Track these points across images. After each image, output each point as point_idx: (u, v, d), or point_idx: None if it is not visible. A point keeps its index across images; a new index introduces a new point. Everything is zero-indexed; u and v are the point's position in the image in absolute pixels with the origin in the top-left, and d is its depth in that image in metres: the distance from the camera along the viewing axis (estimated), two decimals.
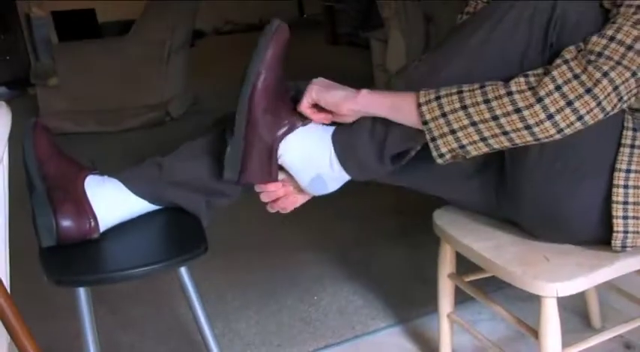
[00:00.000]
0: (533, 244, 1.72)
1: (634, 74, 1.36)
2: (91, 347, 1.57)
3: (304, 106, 1.56)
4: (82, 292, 1.52)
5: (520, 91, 1.38)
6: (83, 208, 1.56)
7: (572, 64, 1.37)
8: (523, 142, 1.42)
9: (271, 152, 1.57)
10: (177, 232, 1.58)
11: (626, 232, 1.57)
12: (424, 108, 1.45)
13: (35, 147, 1.58)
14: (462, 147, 1.44)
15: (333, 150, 1.58)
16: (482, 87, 1.42)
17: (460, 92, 1.43)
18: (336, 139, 1.58)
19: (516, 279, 1.65)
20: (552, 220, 1.65)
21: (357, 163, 1.58)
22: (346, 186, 1.61)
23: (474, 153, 1.46)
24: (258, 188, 1.62)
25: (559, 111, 1.36)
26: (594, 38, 1.38)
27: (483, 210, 1.84)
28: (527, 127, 1.39)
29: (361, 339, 2.39)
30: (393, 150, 1.57)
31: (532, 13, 1.44)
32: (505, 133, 1.41)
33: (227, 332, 2.47)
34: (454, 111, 1.42)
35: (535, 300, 1.66)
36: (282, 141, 1.57)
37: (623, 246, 1.58)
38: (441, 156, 1.47)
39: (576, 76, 1.36)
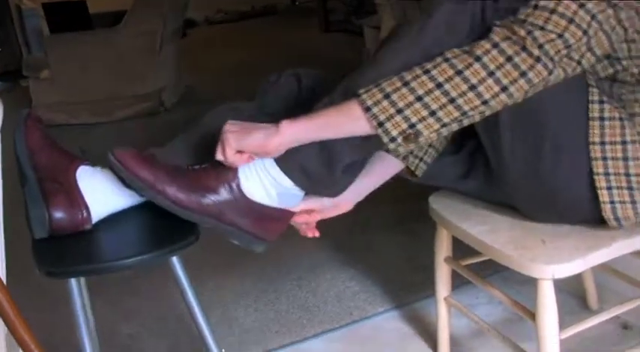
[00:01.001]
0: (529, 227, 1.72)
1: (560, 36, 1.34)
2: (86, 338, 1.56)
3: (228, 156, 1.50)
4: (74, 283, 1.52)
5: (456, 56, 1.37)
6: (75, 200, 1.55)
7: (507, 23, 1.37)
8: (472, 108, 1.38)
9: (253, 208, 1.56)
10: (168, 222, 1.58)
11: (612, 202, 1.57)
12: (364, 96, 1.40)
13: (27, 137, 1.57)
14: (412, 126, 1.39)
15: (273, 169, 1.55)
16: (420, 66, 1.39)
17: (400, 76, 1.40)
18: (277, 158, 1.54)
19: (513, 262, 1.65)
20: (542, 199, 1.65)
21: (304, 174, 1.55)
22: None
23: (426, 132, 1.39)
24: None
25: (499, 67, 1.35)
26: (521, 9, 1.38)
27: (478, 195, 1.84)
28: (472, 88, 1.36)
29: (359, 324, 2.39)
30: (343, 160, 1.54)
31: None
32: (452, 100, 1.37)
33: (225, 319, 2.47)
34: (397, 90, 1.38)
35: (532, 283, 1.66)
36: (244, 189, 1.55)
37: (616, 219, 1.59)
38: (393, 140, 1.40)
39: (513, 32, 1.35)
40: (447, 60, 1.37)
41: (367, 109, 1.40)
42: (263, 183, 1.55)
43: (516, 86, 1.36)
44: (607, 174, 1.54)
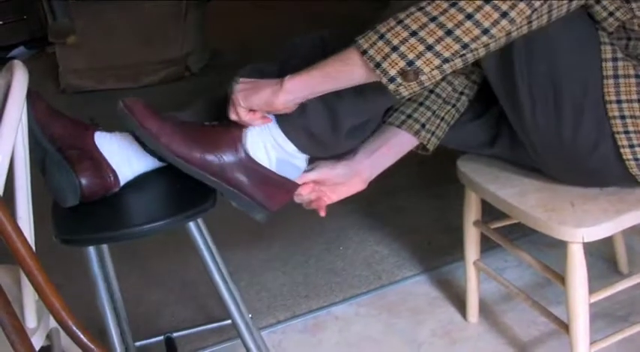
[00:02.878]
0: (558, 190, 1.71)
1: None
2: (106, 306, 1.58)
3: (241, 115, 1.51)
4: (92, 251, 1.52)
5: None
6: (100, 163, 1.55)
7: None
8: (472, 39, 1.32)
9: (257, 171, 1.55)
10: (185, 188, 1.57)
11: (637, 160, 1.55)
12: (361, 41, 1.37)
13: (34, 112, 1.56)
14: (410, 63, 1.33)
15: (276, 131, 1.55)
16: (421, 8, 1.34)
17: (394, 15, 1.35)
18: (280, 119, 1.54)
19: (542, 225, 1.64)
20: (569, 163, 1.63)
21: (307, 135, 1.55)
22: None
23: (426, 69, 1.33)
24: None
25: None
26: None
27: (505, 159, 1.83)
28: (469, 17, 1.30)
29: (388, 288, 2.39)
30: (347, 122, 1.54)
31: None
32: (449, 33, 1.31)
33: (254, 284, 2.48)
34: (390, 29, 1.34)
35: (561, 246, 1.65)
36: (249, 150, 1.55)
37: None
38: (392, 80, 1.35)
39: None
40: None
41: (364, 52, 1.36)
42: (265, 145, 1.55)
43: (517, 10, 1.29)
44: (627, 132, 1.53)
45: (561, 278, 1.71)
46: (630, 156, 1.55)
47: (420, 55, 1.32)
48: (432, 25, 1.31)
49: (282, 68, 1.57)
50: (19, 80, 1.40)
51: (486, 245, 2.11)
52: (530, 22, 1.32)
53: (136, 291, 2.50)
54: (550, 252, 2.23)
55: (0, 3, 5.28)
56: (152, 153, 1.60)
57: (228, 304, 1.65)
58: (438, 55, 1.32)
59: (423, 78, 1.35)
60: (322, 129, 1.54)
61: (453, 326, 2.18)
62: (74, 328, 1.20)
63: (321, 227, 2.76)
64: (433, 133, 1.72)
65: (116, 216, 1.55)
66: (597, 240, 1.63)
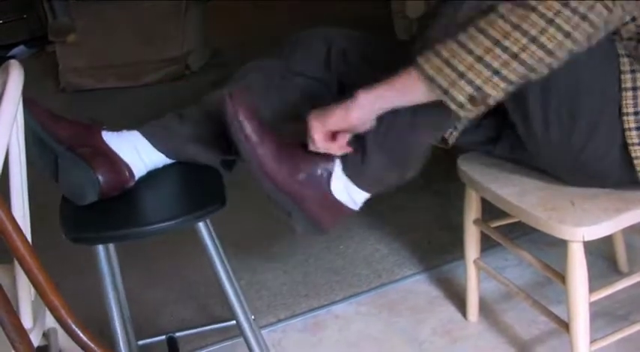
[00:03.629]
0: (558, 189, 1.70)
1: None
2: (113, 304, 1.58)
3: (319, 142, 1.52)
4: (101, 249, 1.53)
5: (510, 10, 1.31)
6: (113, 159, 1.56)
7: None
8: (537, 60, 1.32)
9: (334, 204, 1.58)
10: (194, 187, 1.58)
11: None
12: (425, 66, 1.37)
13: (36, 116, 1.56)
14: (478, 89, 1.34)
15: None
16: (473, 26, 1.35)
17: (456, 39, 1.35)
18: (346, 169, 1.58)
19: (542, 224, 1.64)
20: (573, 167, 1.63)
21: (379, 184, 1.63)
22: None
23: (493, 92, 1.35)
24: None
25: (557, 14, 1.29)
26: None
27: (506, 158, 1.82)
28: (533, 40, 1.30)
29: (388, 287, 2.39)
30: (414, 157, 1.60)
31: None
32: (514, 56, 1.31)
33: (254, 283, 2.48)
34: (455, 54, 1.34)
35: (561, 245, 1.65)
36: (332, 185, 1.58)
37: None
38: (461, 106, 1.37)
39: None
40: (502, 17, 1.31)
41: (430, 78, 1.37)
42: (347, 188, 1.59)
43: (580, 31, 1.30)
44: None
45: (561, 277, 1.71)
46: None
47: (487, 81, 1.34)
48: (497, 50, 1.32)
49: (287, 63, 1.58)
50: (15, 79, 1.40)
51: (486, 244, 2.10)
52: (589, 39, 1.33)
53: (137, 290, 2.50)
54: (550, 250, 2.23)
55: (0, 2, 5.28)
56: (162, 150, 1.60)
57: (234, 305, 1.65)
58: (503, 79, 1.33)
59: (489, 100, 1.36)
60: (390, 175, 1.64)
61: (453, 325, 2.18)
62: (74, 327, 1.20)
63: None
64: (455, 127, 1.73)
65: (126, 215, 1.55)
66: (597, 239, 1.63)
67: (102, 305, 1.58)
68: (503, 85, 1.34)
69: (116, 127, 1.65)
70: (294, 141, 1.57)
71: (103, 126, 1.61)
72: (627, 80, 1.50)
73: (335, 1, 5.07)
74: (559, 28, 1.29)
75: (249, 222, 2.83)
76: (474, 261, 2.05)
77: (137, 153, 1.59)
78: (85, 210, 1.55)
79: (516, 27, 1.30)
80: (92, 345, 1.21)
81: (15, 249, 1.15)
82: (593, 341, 1.74)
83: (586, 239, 1.61)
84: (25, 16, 5.37)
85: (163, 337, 2.03)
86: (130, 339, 1.91)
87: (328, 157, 1.56)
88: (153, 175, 1.63)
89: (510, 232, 2.05)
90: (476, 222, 1.98)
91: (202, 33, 4.92)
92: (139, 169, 1.60)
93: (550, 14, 1.29)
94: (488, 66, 1.32)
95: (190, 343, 2.22)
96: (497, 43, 1.31)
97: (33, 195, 1.51)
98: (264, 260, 2.61)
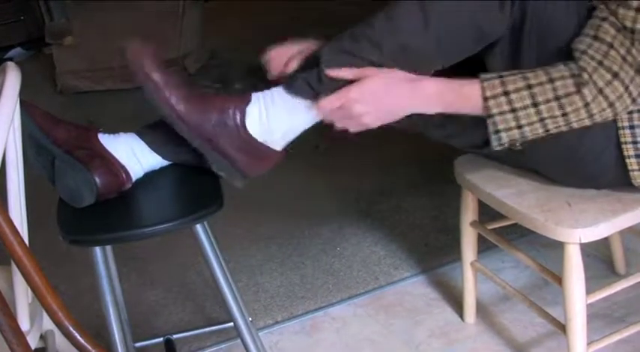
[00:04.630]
0: (555, 190, 1.71)
1: None
2: (110, 306, 1.57)
3: (331, 103, 1.48)
4: (98, 251, 1.52)
5: (586, 84, 1.38)
6: (110, 161, 1.56)
7: (615, 44, 1.38)
8: (578, 121, 1.43)
9: (249, 143, 1.55)
10: (192, 189, 1.57)
11: None
12: (491, 102, 1.42)
13: (34, 118, 1.56)
14: (524, 137, 1.44)
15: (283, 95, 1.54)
16: (551, 81, 1.40)
17: (529, 86, 1.40)
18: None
19: (539, 226, 1.64)
20: (570, 170, 1.64)
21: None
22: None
23: (530, 138, 1.46)
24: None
25: (619, 98, 1.39)
26: (624, 11, 1.37)
27: (502, 160, 1.82)
28: (591, 116, 1.41)
29: (385, 289, 2.39)
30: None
31: None
32: (568, 123, 1.42)
33: (251, 285, 2.48)
34: (525, 108, 1.41)
35: (558, 247, 1.66)
36: (247, 122, 1.54)
37: None
38: (501, 144, 1.46)
39: (624, 58, 1.37)
40: (578, 92, 1.38)
41: (490, 116, 1.42)
42: (261, 115, 1.55)
43: (621, 101, 1.39)
44: (635, 142, 1.54)
45: (558, 279, 1.71)
46: (636, 167, 1.55)
47: (535, 134, 1.44)
48: (560, 119, 1.41)
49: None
50: (12, 81, 1.40)
51: (483, 245, 2.11)
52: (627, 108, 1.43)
53: (135, 292, 2.50)
54: (547, 252, 2.23)
55: None
56: (158, 151, 1.60)
57: (231, 307, 1.65)
58: (544, 126, 1.43)
59: (519, 137, 1.45)
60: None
61: (450, 327, 2.18)
62: (71, 329, 1.20)
63: (318, 227, 2.76)
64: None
65: (123, 217, 1.54)
66: (594, 241, 1.63)
67: (99, 307, 1.58)
68: (541, 130, 1.44)
69: (113, 129, 1.65)
70: (204, 91, 1.58)
71: (99, 128, 1.61)
72: (627, 135, 1.54)
73: (335, 0, 5.07)
74: (613, 110, 1.40)
75: (247, 223, 2.83)
76: (471, 263, 2.05)
77: (134, 155, 1.59)
78: (83, 212, 1.54)
79: (586, 105, 1.39)
80: (89, 347, 1.21)
81: (12, 250, 1.15)
82: (590, 342, 1.74)
83: (583, 241, 1.61)
84: (22, 17, 5.37)
85: (161, 339, 2.02)
86: (127, 341, 1.90)
87: (242, 97, 1.55)
88: (150, 177, 1.63)
89: (507, 234, 2.06)
90: (473, 223, 1.98)
91: (200, 34, 4.92)
92: (136, 171, 1.60)
93: (612, 97, 1.38)
94: (544, 126, 1.42)
95: (188, 345, 2.22)
96: (564, 114, 1.40)
97: (30, 197, 1.51)
98: (262, 262, 2.61)
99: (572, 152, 1.58)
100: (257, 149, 1.56)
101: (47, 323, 1.62)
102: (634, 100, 1.40)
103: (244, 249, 2.68)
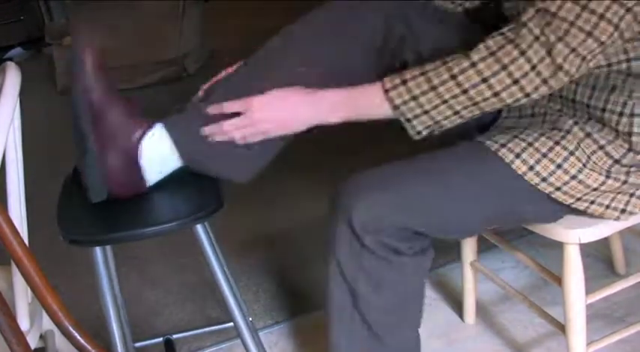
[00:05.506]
0: None
1: (589, 34, 1.35)
2: (110, 306, 1.57)
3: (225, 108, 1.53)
4: (98, 251, 1.52)
5: (483, 59, 1.39)
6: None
7: (530, 25, 1.37)
8: (493, 108, 1.45)
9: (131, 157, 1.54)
10: (192, 189, 1.57)
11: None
12: (392, 93, 1.45)
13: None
14: (437, 122, 1.47)
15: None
16: (444, 63, 1.43)
17: (424, 73, 1.44)
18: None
19: (538, 226, 1.64)
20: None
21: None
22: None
23: (449, 125, 1.48)
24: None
25: (524, 75, 1.38)
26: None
27: None
28: (496, 94, 1.40)
29: None
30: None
31: None
32: (476, 103, 1.43)
33: (251, 285, 2.48)
34: (424, 93, 1.43)
35: (558, 247, 1.65)
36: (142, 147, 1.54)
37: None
38: (418, 133, 1.49)
39: (536, 38, 1.36)
40: (473, 65, 1.40)
41: (395, 107, 1.46)
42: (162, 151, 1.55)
43: (538, 92, 1.40)
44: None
45: (558, 279, 1.71)
46: (566, 197, 1.54)
47: (446, 118, 1.46)
48: (463, 97, 1.43)
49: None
50: (12, 81, 1.40)
51: (483, 245, 2.11)
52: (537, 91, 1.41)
53: (135, 292, 2.50)
54: (547, 252, 2.23)
55: None
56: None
57: (231, 307, 1.65)
58: (461, 117, 1.46)
59: (442, 129, 1.50)
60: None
61: (450, 327, 2.18)
62: (71, 329, 1.20)
63: (318, 228, 2.76)
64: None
65: (123, 217, 1.54)
66: (594, 241, 1.63)
67: (99, 307, 1.58)
68: (459, 121, 1.48)
69: None
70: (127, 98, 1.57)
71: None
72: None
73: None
74: (521, 89, 1.40)
75: (248, 224, 2.83)
76: (471, 263, 2.05)
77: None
78: (83, 212, 1.54)
79: (484, 80, 1.40)
80: (89, 347, 1.21)
81: (12, 250, 1.15)
82: (589, 343, 1.74)
83: (582, 241, 1.61)
84: (22, 17, 5.37)
85: (161, 339, 2.02)
86: (127, 341, 1.90)
87: (149, 121, 1.54)
88: None
89: (507, 234, 2.06)
90: None
91: (200, 34, 4.92)
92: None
93: (517, 74, 1.38)
94: (451, 107, 1.44)
95: (188, 345, 2.22)
96: (464, 91, 1.41)
97: (30, 197, 1.51)
98: (262, 262, 2.61)
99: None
100: (134, 173, 1.54)
101: (47, 323, 1.62)
102: (544, 82, 1.38)
103: (244, 249, 2.68)
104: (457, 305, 2.23)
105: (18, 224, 1.46)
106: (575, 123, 1.51)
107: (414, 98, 1.44)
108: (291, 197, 3.01)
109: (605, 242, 2.12)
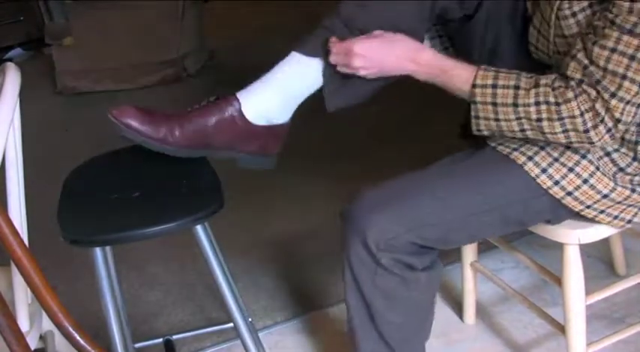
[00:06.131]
0: None
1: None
2: (110, 307, 1.57)
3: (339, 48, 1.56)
4: (98, 252, 1.52)
5: (567, 101, 1.40)
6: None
7: (585, 87, 1.40)
8: (557, 143, 1.48)
9: (253, 130, 1.62)
10: (192, 190, 1.57)
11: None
12: (477, 90, 1.48)
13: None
14: (501, 131, 1.50)
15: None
16: (536, 85, 1.44)
17: (517, 87, 1.45)
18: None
19: (538, 227, 1.64)
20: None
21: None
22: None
23: (509, 136, 1.53)
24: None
25: (595, 127, 1.40)
26: (597, 50, 1.38)
27: None
28: (565, 132, 1.42)
29: None
30: None
31: None
32: (543, 133, 1.45)
33: (251, 285, 2.48)
34: (505, 105, 1.46)
35: (558, 247, 1.65)
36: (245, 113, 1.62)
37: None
38: (479, 131, 1.52)
39: (594, 99, 1.39)
40: (557, 104, 1.41)
41: (473, 102, 1.49)
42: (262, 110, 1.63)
43: (603, 141, 1.43)
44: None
45: (558, 280, 1.71)
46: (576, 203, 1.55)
47: (510, 131, 1.49)
48: (535, 124, 1.44)
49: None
50: (11, 81, 1.40)
51: (483, 246, 2.11)
52: None
53: (135, 292, 2.50)
54: (547, 253, 2.23)
55: None
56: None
57: (231, 307, 1.65)
58: (522, 131, 1.48)
59: (496, 129, 1.51)
60: None
61: (450, 328, 2.18)
62: (71, 329, 1.20)
63: (319, 226, 2.76)
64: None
65: (123, 217, 1.54)
66: (595, 242, 1.63)
67: (98, 307, 1.58)
68: (519, 136, 1.51)
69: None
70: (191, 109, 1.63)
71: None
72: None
73: (334, 1, 5.06)
74: (589, 139, 1.42)
75: (248, 224, 2.83)
76: (471, 264, 2.05)
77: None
78: (83, 212, 1.55)
79: (560, 119, 1.41)
80: (89, 348, 1.21)
81: (12, 251, 1.14)
82: (589, 343, 1.74)
83: (582, 242, 1.61)
84: (21, 18, 5.36)
85: (160, 340, 2.02)
86: (126, 342, 1.90)
87: (227, 99, 1.61)
88: (150, 178, 1.62)
89: (507, 235, 2.05)
90: None
91: (199, 35, 4.91)
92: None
93: (590, 124, 1.40)
94: (520, 125, 1.46)
95: (188, 345, 2.22)
96: (539, 120, 1.43)
97: (29, 197, 1.51)
98: (262, 262, 2.61)
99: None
100: (260, 133, 1.62)
101: (47, 324, 1.62)
102: (608, 131, 1.41)
103: (244, 249, 2.68)
104: (457, 306, 2.23)
105: (18, 224, 1.45)
106: None
107: (494, 104, 1.47)
108: (291, 197, 3.00)
109: (605, 242, 2.12)
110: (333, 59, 1.57)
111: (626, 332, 1.83)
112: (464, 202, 1.54)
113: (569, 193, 1.50)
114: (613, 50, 1.36)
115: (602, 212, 1.54)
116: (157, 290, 2.53)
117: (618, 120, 1.39)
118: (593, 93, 1.38)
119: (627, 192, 1.51)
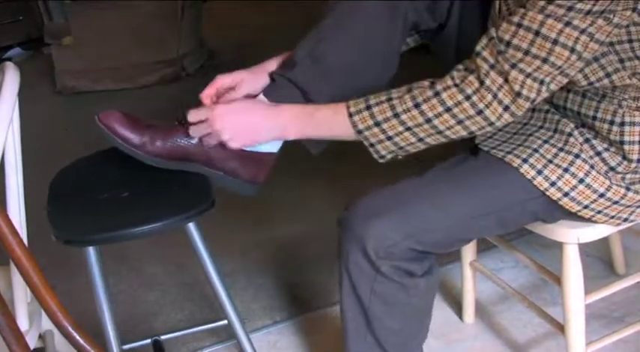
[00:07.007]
0: None
1: (545, 61, 1.35)
2: (104, 306, 1.58)
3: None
4: (92, 251, 1.52)
5: (446, 88, 1.40)
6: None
7: (484, 54, 1.38)
8: (459, 136, 1.45)
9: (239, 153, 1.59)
10: (183, 188, 1.58)
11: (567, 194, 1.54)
12: (356, 117, 1.46)
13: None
14: (401, 148, 1.47)
15: None
16: (409, 90, 1.43)
17: (390, 99, 1.44)
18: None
19: (537, 226, 1.64)
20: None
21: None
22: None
23: (414, 151, 1.49)
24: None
25: (487, 105, 1.38)
26: (504, 24, 1.37)
27: None
28: (460, 122, 1.41)
29: None
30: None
31: None
32: (440, 132, 1.43)
33: (250, 285, 2.48)
34: (387, 120, 1.44)
35: (557, 247, 1.66)
36: None
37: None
38: (382, 157, 1.51)
39: (492, 67, 1.37)
40: (437, 94, 1.40)
41: (359, 132, 1.47)
42: None
43: (502, 121, 1.41)
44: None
45: (557, 279, 1.71)
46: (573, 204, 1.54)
47: (411, 144, 1.47)
48: (426, 126, 1.43)
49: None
50: (11, 81, 1.40)
51: (483, 245, 2.11)
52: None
53: (132, 291, 2.50)
54: (546, 252, 2.23)
55: None
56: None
57: (225, 304, 1.66)
58: (425, 144, 1.47)
59: (407, 154, 1.51)
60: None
61: (449, 327, 2.18)
62: (70, 329, 1.20)
63: (318, 228, 2.76)
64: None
65: (116, 216, 1.54)
66: (594, 241, 1.63)
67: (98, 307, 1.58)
68: (423, 146, 1.48)
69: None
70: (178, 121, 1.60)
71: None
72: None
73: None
74: (486, 118, 1.40)
75: (247, 224, 2.83)
76: (470, 263, 2.05)
77: None
78: (75, 212, 1.55)
79: (447, 110, 1.40)
80: (88, 347, 1.21)
81: (11, 250, 1.14)
82: (588, 342, 1.74)
83: (581, 241, 1.61)
84: (21, 17, 5.36)
85: (149, 340, 2.02)
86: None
87: None
88: (142, 178, 1.62)
89: (506, 234, 2.05)
90: None
91: (198, 34, 4.91)
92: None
93: (481, 105, 1.38)
94: (415, 135, 1.45)
95: (185, 345, 2.22)
96: (428, 120, 1.42)
97: (29, 197, 1.51)
98: (261, 263, 2.61)
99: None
100: (246, 156, 1.59)
101: (46, 323, 1.62)
102: (505, 109, 1.39)
103: (244, 249, 2.68)
104: (456, 305, 2.23)
105: (17, 224, 1.45)
106: (576, 126, 1.52)
107: (377, 124, 1.45)
108: (290, 198, 3.00)
109: (604, 242, 2.12)
110: (192, 131, 1.54)
111: (625, 331, 1.83)
112: (461, 207, 1.53)
113: (566, 194, 1.50)
114: (519, 25, 1.34)
115: (599, 212, 1.54)
116: (156, 290, 2.53)
117: (518, 94, 1.36)
118: (485, 67, 1.37)
119: (622, 191, 1.51)
